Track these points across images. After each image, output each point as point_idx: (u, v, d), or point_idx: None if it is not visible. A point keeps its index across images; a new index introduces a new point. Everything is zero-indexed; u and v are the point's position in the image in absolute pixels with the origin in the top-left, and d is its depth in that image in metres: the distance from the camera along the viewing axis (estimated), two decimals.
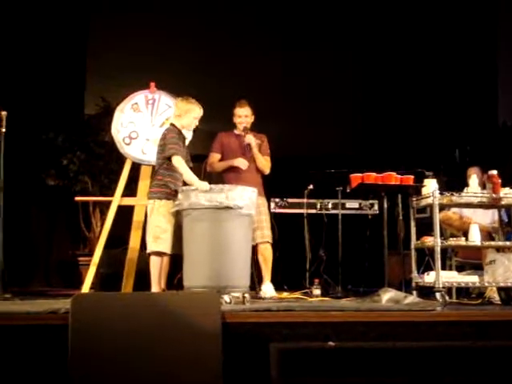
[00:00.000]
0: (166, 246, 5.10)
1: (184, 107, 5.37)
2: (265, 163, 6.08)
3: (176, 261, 5.31)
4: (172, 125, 5.37)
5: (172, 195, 5.15)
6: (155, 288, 5.12)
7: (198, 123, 5.50)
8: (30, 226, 8.33)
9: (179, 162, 5.14)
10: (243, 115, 6.11)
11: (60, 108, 8.15)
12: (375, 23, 9.05)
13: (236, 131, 6.19)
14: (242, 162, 5.94)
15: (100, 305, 3.71)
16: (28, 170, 7.99)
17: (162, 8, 8.72)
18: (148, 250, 5.16)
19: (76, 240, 8.39)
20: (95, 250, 6.23)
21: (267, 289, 5.85)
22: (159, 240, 5.09)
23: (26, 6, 8.05)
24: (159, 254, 5.13)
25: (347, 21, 9.10)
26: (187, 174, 5.14)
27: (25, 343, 3.74)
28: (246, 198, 4.87)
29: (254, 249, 5.82)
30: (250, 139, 6.00)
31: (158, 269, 5.14)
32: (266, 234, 5.93)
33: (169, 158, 5.16)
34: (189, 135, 6.25)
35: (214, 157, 6.15)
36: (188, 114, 5.37)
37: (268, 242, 5.91)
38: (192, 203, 4.83)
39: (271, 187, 6.36)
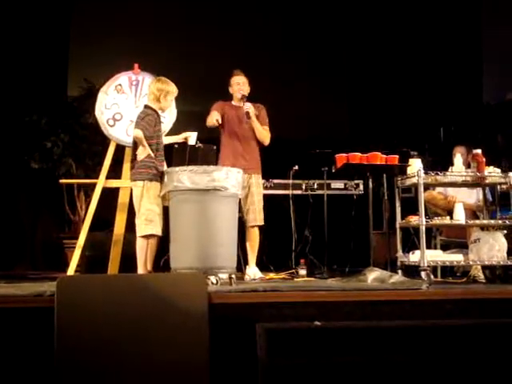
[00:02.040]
0: (158, 228, 5.12)
1: (164, 89, 5.34)
2: (265, 133, 5.97)
3: (162, 242, 5.31)
4: (148, 107, 5.33)
5: (158, 176, 5.15)
6: (142, 270, 5.11)
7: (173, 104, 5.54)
8: (15, 210, 8.27)
9: (138, 134, 5.11)
10: (241, 82, 5.99)
11: (43, 90, 8.07)
12: (362, 4, 9.01)
13: (233, 102, 6.06)
14: (214, 115, 5.78)
15: (85, 287, 3.71)
16: (11, 152, 7.93)
17: None
18: (141, 234, 5.14)
19: (61, 223, 8.35)
20: (80, 232, 6.21)
21: (253, 271, 5.84)
22: (152, 223, 5.10)
23: None
24: (150, 236, 5.13)
25: (333, 2, 9.06)
26: (142, 143, 5.12)
27: (11, 326, 3.73)
28: (233, 179, 4.87)
29: (244, 231, 5.82)
30: (249, 107, 5.86)
31: (145, 251, 5.14)
32: (257, 217, 5.86)
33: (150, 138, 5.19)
34: (172, 117, 6.24)
35: (213, 114, 5.89)
36: (166, 97, 5.35)
37: (257, 226, 5.89)
38: (177, 185, 4.82)
39: None
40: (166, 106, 5.43)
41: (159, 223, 5.14)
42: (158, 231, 5.14)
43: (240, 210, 5.75)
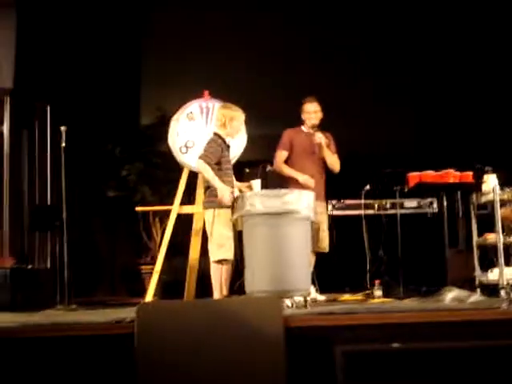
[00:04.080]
0: (230, 253, 5.18)
1: (227, 115, 5.39)
2: (336, 160, 6.05)
3: (237, 266, 5.36)
4: (215, 134, 5.39)
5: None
6: (217, 295, 5.17)
7: (242, 128, 5.57)
8: (93, 237, 8.49)
9: (202, 167, 5.19)
10: (312, 111, 6.05)
11: (117, 119, 8.28)
12: (429, 17, 8.92)
13: (304, 128, 6.15)
14: (308, 181, 5.88)
15: (165, 313, 3.76)
16: (88, 182, 8.14)
17: (215, 16, 8.75)
18: (214, 259, 5.21)
19: (138, 249, 8.51)
20: (157, 258, 6.32)
21: (314, 294, 5.85)
22: (224, 247, 5.16)
23: (80, 19, 8.18)
24: (223, 261, 5.18)
25: (399, 17, 9.00)
26: (210, 178, 5.18)
27: (92, 353, 3.81)
28: (304, 202, 4.88)
29: None
30: (321, 138, 5.93)
31: (219, 275, 5.20)
32: (324, 245, 5.97)
33: (217, 163, 5.24)
34: (243, 141, 6.31)
35: (282, 155, 6.11)
36: (232, 122, 5.39)
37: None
38: (249, 209, 4.86)
39: (328, 189, 6.35)
40: (233, 131, 5.44)
41: (231, 247, 5.19)
42: (230, 256, 5.19)
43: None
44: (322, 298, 5.89)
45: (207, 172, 5.19)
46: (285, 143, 6.11)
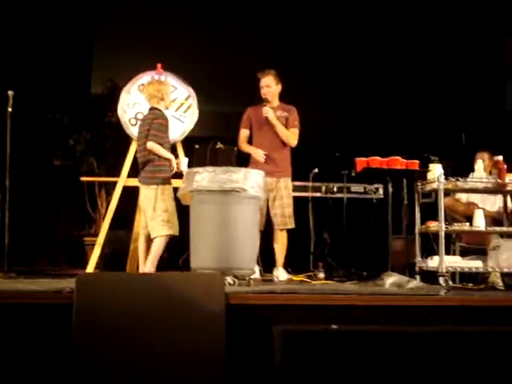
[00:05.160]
0: (176, 229, 5.21)
1: (164, 89, 5.51)
2: (288, 135, 5.99)
3: (181, 242, 5.35)
4: (158, 109, 5.39)
5: (169, 178, 5.31)
6: (153, 269, 5.18)
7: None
8: (36, 206, 8.34)
9: (155, 148, 5.29)
10: (264, 85, 6.02)
11: (66, 88, 8.13)
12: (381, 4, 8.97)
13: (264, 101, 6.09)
14: (259, 154, 5.92)
15: (104, 285, 3.74)
16: (34, 149, 7.98)
17: None
18: (158, 234, 5.19)
19: (82, 220, 8.41)
20: (100, 230, 6.26)
21: (280, 273, 5.88)
22: (170, 223, 5.18)
23: None
24: (167, 237, 5.19)
25: (352, 4, 9.01)
26: (164, 155, 5.33)
27: (29, 321, 3.76)
28: (252, 181, 4.87)
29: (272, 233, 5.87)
30: (267, 112, 5.92)
31: (161, 251, 5.20)
32: (286, 221, 5.96)
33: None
34: (194, 118, 6.27)
35: (242, 133, 6.12)
36: (166, 95, 5.53)
37: (285, 229, 5.93)
38: (197, 185, 4.84)
39: None
40: (168, 103, 5.65)
41: (176, 223, 5.23)
42: (176, 232, 5.23)
43: (268, 213, 5.82)
44: (284, 277, 5.89)
45: (160, 151, 5.28)
46: (243, 121, 6.13)
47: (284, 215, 5.92)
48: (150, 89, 5.53)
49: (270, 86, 6.01)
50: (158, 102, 5.43)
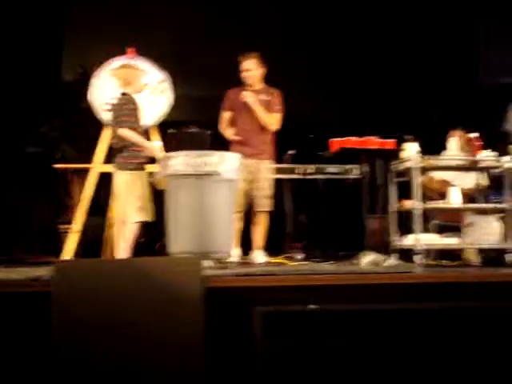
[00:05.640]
0: (150, 215, 5.19)
1: (132, 73, 5.43)
2: (267, 119, 5.93)
3: (158, 227, 5.34)
4: (125, 94, 5.35)
5: (143, 163, 5.26)
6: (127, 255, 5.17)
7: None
8: (11, 194, 8.27)
9: (127, 134, 5.19)
10: (244, 69, 5.95)
11: (37, 74, 8.05)
12: None
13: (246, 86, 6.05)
14: (230, 136, 5.90)
15: (81, 272, 3.72)
16: (6, 137, 7.90)
17: None
18: (133, 221, 5.18)
19: (56, 208, 8.35)
20: (75, 217, 6.22)
21: (258, 255, 5.87)
22: (145, 210, 5.16)
23: None
24: (140, 223, 5.17)
25: None
26: (139, 142, 5.23)
27: (7, 310, 3.74)
28: (227, 164, 4.87)
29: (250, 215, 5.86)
30: (246, 96, 5.87)
31: (134, 237, 5.19)
32: (263, 202, 5.91)
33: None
34: (169, 100, 6.24)
35: (222, 117, 6.05)
36: (137, 79, 5.43)
37: (264, 211, 5.93)
38: (172, 170, 4.83)
39: None
40: (140, 88, 5.51)
41: (151, 209, 5.20)
42: (150, 217, 5.22)
43: (247, 195, 5.80)
44: (261, 260, 5.89)
45: (133, 138, 5.19)
46: (224, 104, 6.06)
47: (263, 197, 5.90)
48: (118, 73, 5.49)
49: (250, 69, 5.94)
50: (126, 86, 5.39)
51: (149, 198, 5.23)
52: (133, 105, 5.31)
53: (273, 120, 5.96)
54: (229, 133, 5.93)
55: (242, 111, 5.96)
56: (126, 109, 5.25)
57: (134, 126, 5.24)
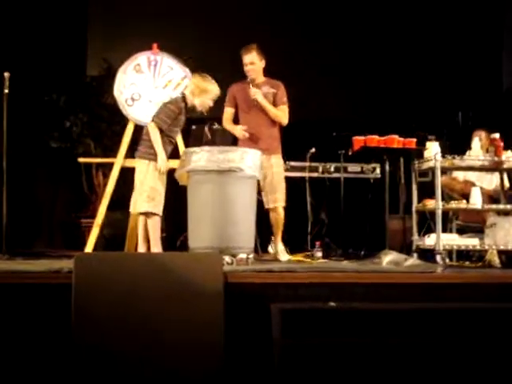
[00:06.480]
0: (160, 208, 5.17)
1: (201, 86, 5.31)
2: (278, 113, 5.81)
3: (179, 222, 5.35)
4: (183, 95, 5.33)
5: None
6: (158, 248, 5.17)
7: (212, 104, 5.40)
8: (34, 188, 8.34)
9: (152, 131, 5.16)
10: (248, 63, 5.76)
11: (62, 69, 8.10)
12: None
13: (249, 80, 5.86)
14: (239, 132, 5.79)
15: (102, 264, 3.74)
16: (31, 131, 7.97)
17: None
18: (140, 210, 5.18)
19: (79, 202, 8.42)
20: (98, 211, 6.26)
21: (281, 253, 5.85)
22: (154, 201, 5.14)
23: None
24: (150, 214, 5.16)
25: None
26: (157, 145, 5.15)
27: (28, 302, 3.78)
28: (249, 160, 4.88)
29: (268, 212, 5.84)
30: (255, 93, 5.73)
31: (158, 229, 5.19)
32: (278, 197, 5.82)
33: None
34: None
35: (227, 112, 5.94)
36: (204, 95, 5.31)
37: (279, 206, 5.88)
38: (194, 165, 4.84)
39: None
40: (201, 104, 5.34)
41: (160, 203, 5.19)
42: (158, 211, 5.19)
43: (259, 193, 5.77)
44: (285, 258, 5.87)
45: (155, 136, 5.16)
46: (228, 99, 5.93)
47: (275, 192, 5.84)
48: (193, 79, 5.42)
49: (254, 63, 5.77)
50: (190, 93, 5.31)
51: (161, 193, 5.20)
52: (178, 109, 5.25)
53: (283, 114, 5.84)
54: (238, 129, 5.81)
55: (248, 107, 5.84)
56: (166, 107, 5.23)
57: (166, 129, 5.22)
